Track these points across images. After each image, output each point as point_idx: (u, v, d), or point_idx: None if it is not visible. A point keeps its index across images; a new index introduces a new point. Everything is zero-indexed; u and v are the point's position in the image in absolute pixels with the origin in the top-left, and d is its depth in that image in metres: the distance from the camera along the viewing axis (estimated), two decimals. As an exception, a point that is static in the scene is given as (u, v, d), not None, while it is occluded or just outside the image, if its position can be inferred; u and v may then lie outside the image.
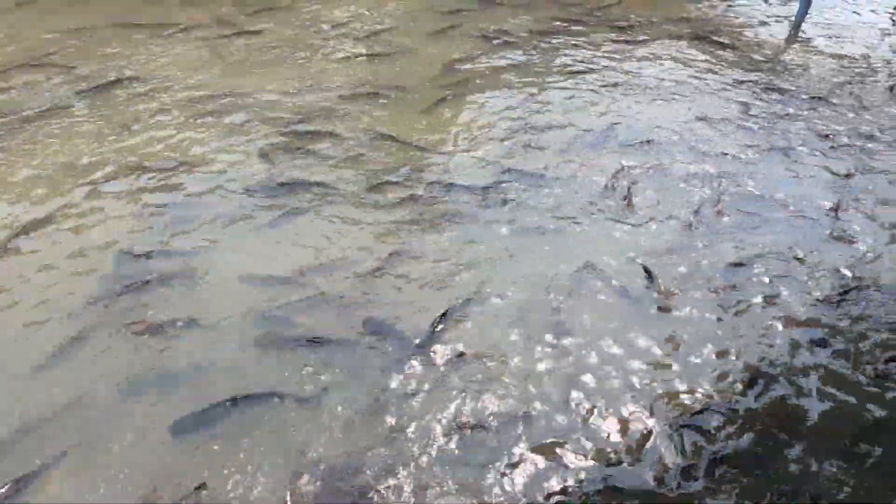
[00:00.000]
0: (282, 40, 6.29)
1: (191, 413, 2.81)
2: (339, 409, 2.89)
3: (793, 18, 7.29)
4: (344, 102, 5.29)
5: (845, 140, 5.09)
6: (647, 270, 3.66)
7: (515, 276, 3.66)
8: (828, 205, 4.32)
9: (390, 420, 2.85)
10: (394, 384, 3.02)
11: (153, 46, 6.04)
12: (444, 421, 2.85)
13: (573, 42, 6.59)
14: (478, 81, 5.76)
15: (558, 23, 7.01)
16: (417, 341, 3.22)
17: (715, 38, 6.85)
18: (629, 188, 4.35)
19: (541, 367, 3.14)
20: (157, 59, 5.82)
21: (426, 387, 3.02)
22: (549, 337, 3.29)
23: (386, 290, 3.55)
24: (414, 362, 3.13)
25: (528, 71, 5.97)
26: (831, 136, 5.10)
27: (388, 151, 4.73)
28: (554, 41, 6.57)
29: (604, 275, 3.68)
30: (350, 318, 3.35)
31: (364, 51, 6.19)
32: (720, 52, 6.53)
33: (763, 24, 7.36)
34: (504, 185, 4.41)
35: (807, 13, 7.18)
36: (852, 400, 3.06)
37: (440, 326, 3.30)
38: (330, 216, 4.06)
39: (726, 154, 4.83)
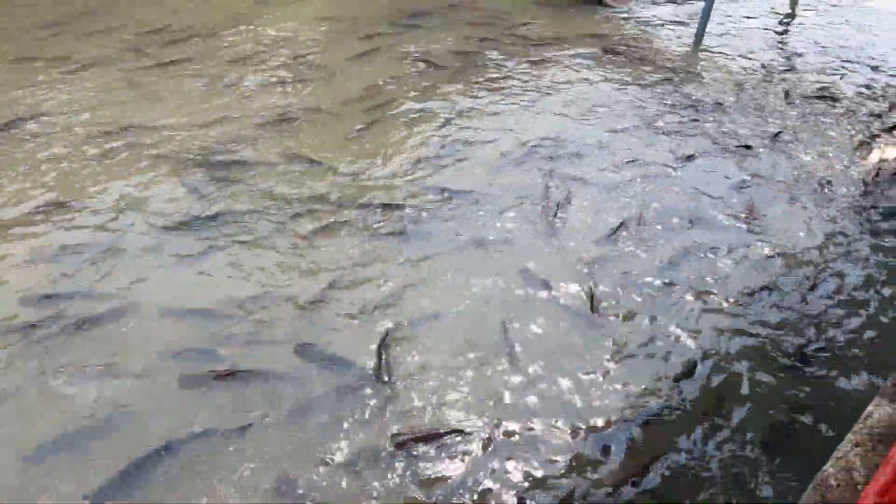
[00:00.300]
0: (200, 69, 6.12)
1: (107, 479, 2.62)
2: (277, 440, 2.81)
3: (695, 29, 7.76)
4: (265, 129, 5.19)
5: (753, 143, 5.44)
6: (590, 295, 3.71)
7: (455, 293, 3.69)
8: (741, 209, 4.57)
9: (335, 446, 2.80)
10: (341, 410, 2.97)
11: (59, 83, 5.73)
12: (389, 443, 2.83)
13: (492, 61, 6.75)
14: (402, 103, 5.78)
15: (476, 43, 7.17)
16: (366, 365, 3.19)
17: (625, 51, 7.19)
18: (558, 204, 4.45)
19: (491, 383, 3.16)
20: (65, 94, 5.54)
21: (377, 410, 2.98)
22: (497, 352, 3.33)
23: (323, 318, 3.49)
24: (362, 386, 3.09)
25: (451, 90, 6.06)
26: (737, 141, 5.44)
27: (313, 177, 4.67)
28: (473, 60, 6.71)
29: (543, 286, 3.77)
30: (285, 349, 3.28)
31: (285, 76, 6.11)
32: (630, 65, 6.85)
33: (668, 36, 7.79)
34: (435, 204, 4.44)
35: (707, 24, 7.66)
36: (774, 384, 3.25)
37: (385, 350, 3.27)
38: (256, 247, 3.95)
39: (644, 161, 5.05)
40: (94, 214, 4.15)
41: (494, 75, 6.42)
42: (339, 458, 2.77)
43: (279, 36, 6.95)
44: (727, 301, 3.77)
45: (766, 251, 4.20)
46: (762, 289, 3.88)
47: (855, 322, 3.66)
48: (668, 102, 6.07)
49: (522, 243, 4.13)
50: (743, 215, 4.50)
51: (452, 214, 4.35)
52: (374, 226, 4.19)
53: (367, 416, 2.96)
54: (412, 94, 5.95)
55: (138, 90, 5.69)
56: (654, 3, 8.89)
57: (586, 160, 5.03)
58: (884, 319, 3.70)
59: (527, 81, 6.33)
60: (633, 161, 5.05)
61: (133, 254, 3.83)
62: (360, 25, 7.38)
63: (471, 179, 4.73)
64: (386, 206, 4.37)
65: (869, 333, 3.58)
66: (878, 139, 5.62)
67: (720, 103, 6.07)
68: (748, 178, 4.93)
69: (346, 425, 2.92)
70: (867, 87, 6.68)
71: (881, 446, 2.08)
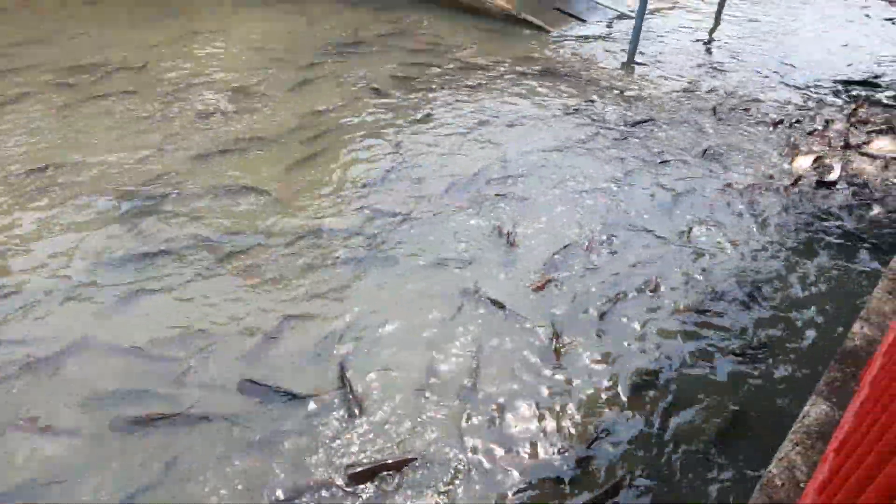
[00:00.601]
0: (131, 103, 5.92)
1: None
2: (216, 482, 2.70)
3: (627, 48, 8.09)
4: (202, 162, 5.06)
5: (685, 158, 5.67)
6: (552, 331, 3.68)
7: (413, 318, 3.67)
8: (683, 225, 4.73)
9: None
10: (292, 446, 2.87)
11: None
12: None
13: (433, 86, 6.83)
14: (345, 130, 5.75)
15: (418, 68, 7.24)
16: (322, 398, 3.12)
17: (562, 72, 7.41)
18: (510, 229, 4.48)
19: (455, 404, 3.15)
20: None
21: (333, 443, 2.90)
22: (456, 378, 3.31)
23: (273, 355, 3.39)
24: (316, 419, 3.02)
25: (394, 117, 6.08)
26: (672, 156, 5.66)
27: (256, 208, 4.57)
28: (415, 86, 6.77)
29: (499, 308, 3.79)
30: (228, 388, 3.17)
31: (222, 107, 5.99)
32: (567, 85, 7.06)
33: (602, 56, 8.07)
34: (385, 230, 4.42)
35: (637, 43, 7.99)
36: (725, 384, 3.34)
37: (348, 382, 3.21)
38: (197, 283, 3.83)
39: (587, 179, 5.18)
40: (23, 255, 3.94)
41: (436, 100, 6.49)
42: (284, 497, 2.68)
43: (213, 67, 6.83)
44: (678, 310, 3.88)
45: (706, 262, 4.35)
46: (707, 296, 4.01)
47: (792, 324, 3.83)
48: (605, 120, 6.27)
49: (477, 267, 4.15)
50: (682, 229, 4.66)
51: (404, 240, 4.33)
52: (323, 254, 4.15)
53: (320, 449, 2.88)
54: (355, 121, 5.94)
55: (68, 126, 5.46)
56: (587, 25, 9.21)
57: (532, 181, 5.11)
58: (818, 320, 3.88)
59: (469, 105, 6.42)
60: (575, 179, 5.17)
61: (65, 294, 3.65)
62: (298, 54, 7.34)
63: (421, 205, 4.73)
64: (333, 233, 4.33)
65: (806, 334, 3.75)
66: (799, 148, 5.95)
67: (653, 119, 6.32)
68: (684, 191, 5.11)
69: (296, 461, 2.83)
70: (789, 97, 7.08)
71: (819, 443, 2.15)
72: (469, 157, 5.41)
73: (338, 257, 4.13)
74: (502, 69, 7.39)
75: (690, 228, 4.66)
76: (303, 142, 5.49)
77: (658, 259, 4.33)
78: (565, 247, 4.34)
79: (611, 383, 3.35)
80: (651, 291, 4.01)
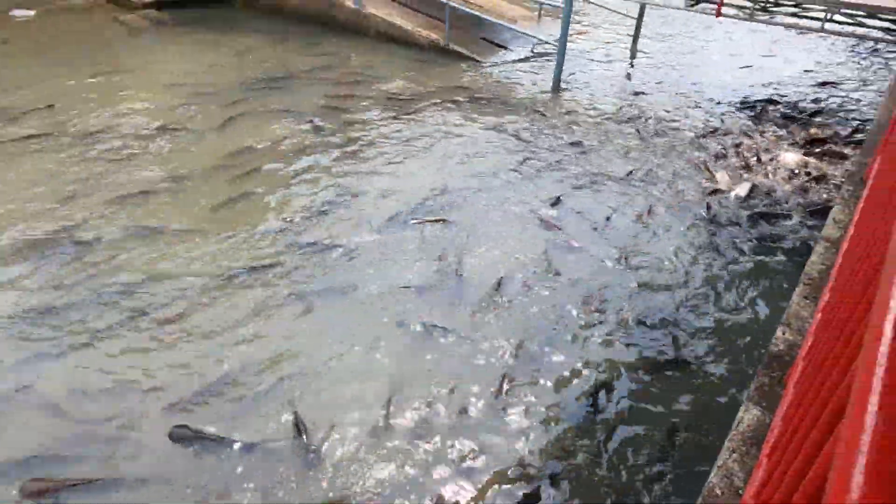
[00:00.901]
0: (46, 146, 5.62)
1: None
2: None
3: (552, 76, 8.39)
4: (124, 205, 4.83)
5: (613, 180, 5.89)
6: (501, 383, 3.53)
7: (358, 354, 3.57)
8: (617, 246, 4.86)
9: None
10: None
11: None
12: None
13: (364, 118, 6.83)
14: (274, 165, 5.65)
15: (347, 101, 7.24)
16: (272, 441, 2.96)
17: (490, 100, 7.59)
18: (454, 259, 4.47)
19: (397, 450, 3.05)
20: None
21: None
22: (402, 412, 3.24)
23: (205, 407, 3.22)
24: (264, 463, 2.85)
25: (324, 150, 6.02)
26: (600, 179, 5.86)
27: (182, 249, 4.39)
28: (345, 119, 6.75)
29: (444, 334, 3.76)
30: (155, 448, 2.97)
31: (144, 147, 5.77)
32: (496, 113, 7.23)
33: (528, 84, 8.33)
34: (325, 264, 4.33)
35: (562, 71, 8.30)
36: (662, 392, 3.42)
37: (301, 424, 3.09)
38: (118, 336, 3.61)
39: (520, 204, 5.29)
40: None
41: (370, 132, 6.48)
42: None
43: (134, 107, 6.59)
44: (614, 326, 3.97)
45: (639, 278, 4.49)
46: (642, 312, 4.14)
47: (720, 333, 3.99)
48: (535, 145, 6.43)
49: (424, 298, 4.12)
50: (615, 250, 4.79)
51: (344, 273, 4.26)
52: (263, 294, 4.01)
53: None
54: (286, 156, 5.84)
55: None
56: (512, 53, 9.50)
57: (470, 209, 5.14)
58: (745, 325, 4.07)
59: (402, 136, 6.45)
60: (505, 205, 5.25)
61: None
62: (221, 91, 7.19)
63: (361, 236, 4.68)
64: (267, 271, 4.20)
65: (733, 341, 3.92)
66: (716, 165, 6.30)
67: (580, 143, 6.52)
68: (613, 213, 5.27)
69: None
70: (703, 117, 7.51)
71: (754, 449, 2.22)
72: (405, 187, 5.41)
73: (278, 295, 4.00)
74: (434, 99, 7.49)
75: (625, 256, 4.77)
76: (230, 178, 5.35)
77: (597, 277, 4.43)
78: (500, 280, 4.35)
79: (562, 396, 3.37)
80: (595, 311, 4.09)
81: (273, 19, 10.18)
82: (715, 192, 5.71)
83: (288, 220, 4.83)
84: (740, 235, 5.09)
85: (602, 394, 3.46)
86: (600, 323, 3.99)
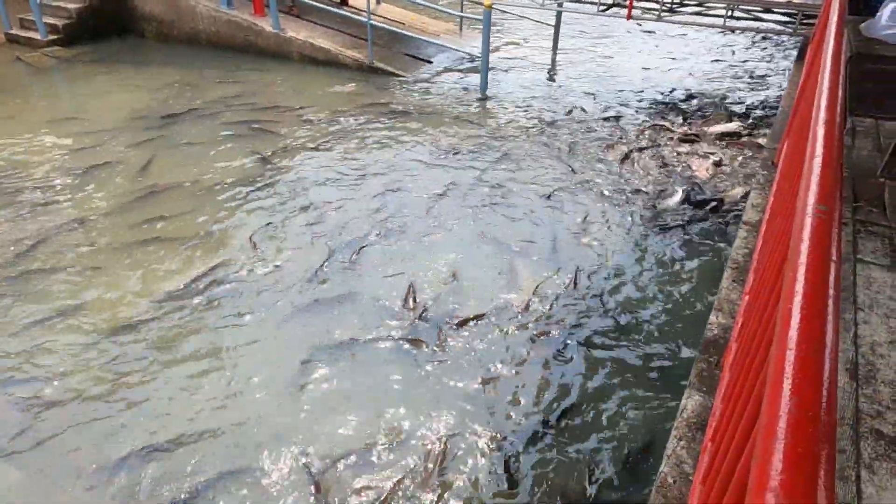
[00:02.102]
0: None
1: None
2: None
3: (477, 89, 8.52)
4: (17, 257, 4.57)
5: (547, 190, 6.02)
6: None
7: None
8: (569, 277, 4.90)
9: None
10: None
11: None
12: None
13: (294, 143, 6.72)
14: (188, 204, 5.42)
15: (273, 126, 7.11)
16: None
17: (418, 115, 7.63)
18: (409, 287, 4.39)
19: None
20: None
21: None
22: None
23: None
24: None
25: (246, 184, 5.84)
26: (535, 191, 5.96)
27: (89, 293, 4.17)
28: (273, 146, 6.61)
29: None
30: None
31: (30, 199, 5.42)
32: (425, 128, 7.27)
33: (455, 97, 8.42)
34: (237, 298, 4.21)
35: (487, 84, 8.45)
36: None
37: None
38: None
39: (465, 226, 5.32)
40: None
41: (300, 157, 6.37)
42: None
43: (35, 150, 6.23)
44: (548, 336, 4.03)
45: (580, 296, 4.60)
46: (580, 315, 4.22)
47: (658, 315, 4.13)
48: (464, 159, 6.47)
49: (392, 330, 4.04)
50: (569, 282, 4.88)
51: (293, 315, 4.15)
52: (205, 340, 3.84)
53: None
54: (196, 193, 5.59)
55: None
56: (437, 67, 9.60)
57: (410, 235, 5.07)
58: (684, 312, 4.22)
59: (334, 158, 6.38)
60: (441, 227, 5.24)
61: None
62: (130, 128, 6.86)
63: (303, 267, 4.57)
64: (200, 314, 4.05)
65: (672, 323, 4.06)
66: (637, 163, 6.54)
67: (508, 154, 6.61)
68: (552, 221, 5.36)
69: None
70: (621, 118, 7.79)
71: (699, 434, 2.29)
72: (339, 215, 5.32)
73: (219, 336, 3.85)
74: (362, 118, 7.46)
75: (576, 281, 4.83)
76: (136, 225, 5.08)
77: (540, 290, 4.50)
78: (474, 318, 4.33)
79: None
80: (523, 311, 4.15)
81: (189, 49, 9.91)
82: (637, 190, 5.91)
83: (219, 261, 4.67)
84: (672, 228, 5.28)
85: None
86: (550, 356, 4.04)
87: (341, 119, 7.39)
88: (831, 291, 0.93)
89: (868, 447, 2.19)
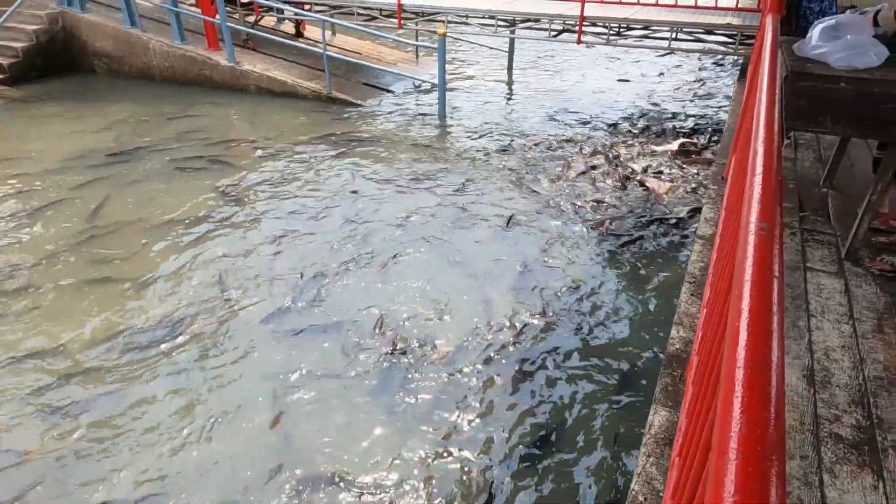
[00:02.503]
0: None
1: None
2: None
3: (436, 115, 8.63)
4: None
5: (509, 214, 6.09)
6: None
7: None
8: (539, 302, 5.00)
9: None
10: None
11: None
12: None
13: (254, 176, 6.66)
14: (130, 248, 5.29)
15: (233, 159, 7.04)
16: None
17: (378, 144, 7.66)
18: (380, 318, 4.36)
19: None
20: None
21: None
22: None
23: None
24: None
25: (218, 215, 5.79)
26: (496, 216, 6.01)
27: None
28: (232, 181, 6.54)
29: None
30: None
31: None
32: (385, 157, 7.30)
33: (413, 125, 8.50)
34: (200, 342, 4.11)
35: (445, 110, 8.56)
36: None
37: None
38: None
39: (437, 255, 5.33)
40: None
41: (254, 195, 6.29)
42: None
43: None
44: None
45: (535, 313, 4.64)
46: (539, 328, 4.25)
47: (620, 328, 4.18)
48: (427, 187, 6.50)
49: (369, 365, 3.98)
50: (535, 314, 4.93)
51: (261, 354, 4.06)
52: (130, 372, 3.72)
53: None
54: (153, 231, 5.48)
55: None
56: (395, 95, 9.69)
57: (378, 265, 5.06)
58: (652, 326, 4.29)
59: (293, 191, 6.34)
60: (407, 254, 5.25)
61: None
62: (77, 168, 6.66)
63: (270, 310, 4.49)
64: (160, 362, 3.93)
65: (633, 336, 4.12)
66: (596, 183, 6.70)
67: (470, 179, 6.66)
68: (516, 242, 5.41)
69: None
70: (580, 138, 7.98)
71: (668, 450, 2.31)
72: (303, 247, 5.27)
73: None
74: (322, 148, 7.45)
75: (543, 315, 4.90)
76: (88, 265, 4.96)
77: (503, 311, 4.52)
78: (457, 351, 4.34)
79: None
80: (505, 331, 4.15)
81: (143, 85, 9.77)
82: (596, 209, 6.04)
83: (177, 301, 4.56)
84: (636, 246, 5.40)
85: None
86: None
87: (301, 150, 7.37)
88: (775, 308, 0.96)
89: (828, 451, 2.25)
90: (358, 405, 3.59)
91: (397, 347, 4.06)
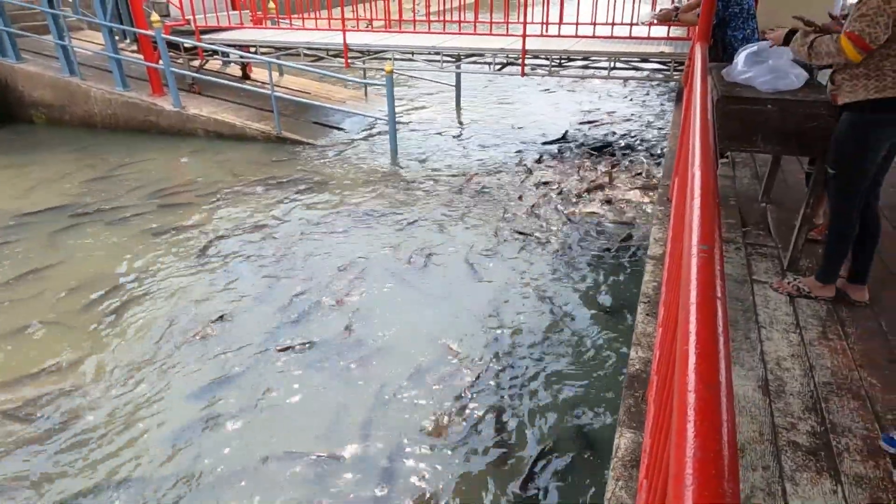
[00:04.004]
0: None
1: None
2: None
3: (388, 151, 8.70)
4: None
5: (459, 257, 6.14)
6: None
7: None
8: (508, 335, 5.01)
9: None
10: None
11: None
12: None
13: (207, 226, 6.53)
14: (61, 315, 5.14)
15: (182, 209, 6.89)
16: None
17: (331, 182, 7.65)
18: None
19: None
20: None
21: None
22: None
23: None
24: None
25: (170, 263, 5.63)
26: (462, 249, 6.07)
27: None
28: (161, 225, 6.38)
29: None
30: None
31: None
32: (339, 195, 7.28)
33: (366, 161, 8.53)
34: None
35: (396, 145, 8.64)
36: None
37: None
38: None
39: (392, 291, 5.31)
40: None
41: (203, 243, 6.16)
42: None
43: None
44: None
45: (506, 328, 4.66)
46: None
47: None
48: (379, 223, 6.47)
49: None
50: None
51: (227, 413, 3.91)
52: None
53: None
54: (79, 290, 5.30)
55: None
56: (346, 133, 9.72)
57: (336, 323, 5.00)
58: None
59: (248, 238, 6.23)
60: (363, 300, 5.23)
61: None
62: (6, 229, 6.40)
63: (238, 361, 4.35)
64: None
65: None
66: (558, 208, 6.85)
67: (424, 215, 6.63)
68: (476, 276, 5.41)
69: None
70: (527, 167, 8.17)
71: (635, 471, 2.33)
72: (255, 302, 5.12)
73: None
74: (274, 190, 7.37)
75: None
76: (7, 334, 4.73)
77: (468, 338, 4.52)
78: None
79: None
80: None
81: (85, 134, 9.52)
82: (549, 237, 6.17)
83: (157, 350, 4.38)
84: (594, 269, 5.51)
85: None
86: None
87: (251, 192, 7.28)
88: (720, 330, 0.99)
89: (788, 460, 2.30)
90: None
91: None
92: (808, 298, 3.32)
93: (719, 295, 1.09)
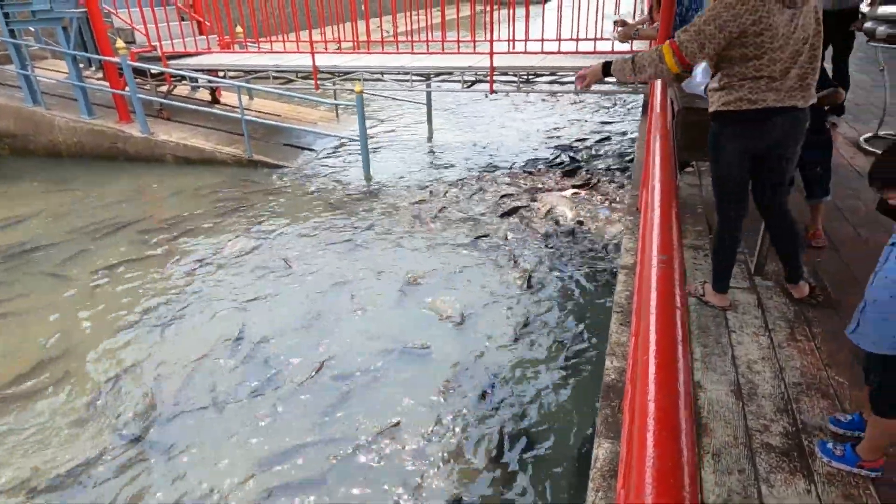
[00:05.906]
0: None
1: None
2: None
3: (360, 171, 8.69)
4: None
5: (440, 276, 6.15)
6: None
7: None
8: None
9: None
10: None
11: None
12: None
13: (182, 258, 6.44)
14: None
15: (159, 238, 6.79)
16: None
17: (304, 203, 7.61)
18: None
19: None
20: None
21: None
22: None
23: None
24: None
25: (149, 296, 5.53)
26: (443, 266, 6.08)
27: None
28: (129, 255, 6.29)
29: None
30: None
31: None
32: (314, 216, 7.25)
33: (339, 182, 8.50)
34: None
35: (369, 163, 8.64)
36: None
37: None
38: None
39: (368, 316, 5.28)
40: None
41: (175, 273, 6.08)
42: None
43: None
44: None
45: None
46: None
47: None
48: (357, 249, 6.37)
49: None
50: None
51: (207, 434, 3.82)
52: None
53: None
54: (53, 330, 5.21)
55: None
56: (317, 154, 9.70)
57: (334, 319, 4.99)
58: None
59: (227, 266, 6.16)
60: (319, 315, 5.20)
61: None
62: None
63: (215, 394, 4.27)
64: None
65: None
66: (531, 224, 6.91)
67: (402, 236, 6.60)
68: (457, 292, 5.43)
69: None
70: (503, 181, 8.24)
71: (614, 482, 2.34)
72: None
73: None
74: (249, 214, 7.31)
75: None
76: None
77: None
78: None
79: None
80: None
81: (50, 163, 9.32)
82: (524, 248, 6.22)
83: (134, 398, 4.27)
84: (570, 280, 5.56)
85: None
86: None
87: (221, 218, 7.19)
88: (679, 337, 1.01)
89: (762, 462, 2.34)
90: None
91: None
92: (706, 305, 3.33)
93: (678, 305, 1.12)
